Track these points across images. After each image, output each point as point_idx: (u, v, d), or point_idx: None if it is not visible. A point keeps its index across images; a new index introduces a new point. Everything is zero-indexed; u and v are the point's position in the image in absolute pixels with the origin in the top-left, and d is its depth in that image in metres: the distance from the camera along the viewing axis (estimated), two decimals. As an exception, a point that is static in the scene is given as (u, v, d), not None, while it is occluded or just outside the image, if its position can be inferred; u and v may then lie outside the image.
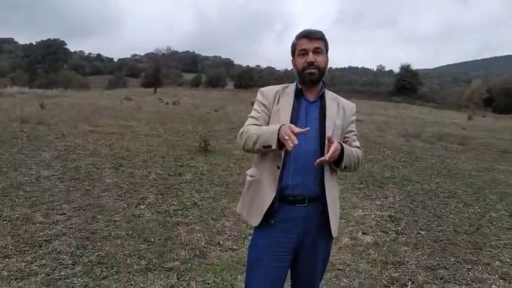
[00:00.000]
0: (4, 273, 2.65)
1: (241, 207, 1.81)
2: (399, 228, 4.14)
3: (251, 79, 63.19)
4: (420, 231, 4.07)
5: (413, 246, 3.66)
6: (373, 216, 4.49)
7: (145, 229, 3.65)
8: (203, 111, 17.56)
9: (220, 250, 3.30)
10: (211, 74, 72.96)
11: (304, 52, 1.66)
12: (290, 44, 1.76)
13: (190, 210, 4.30)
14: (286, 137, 1.44)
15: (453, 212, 4.80)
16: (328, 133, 1.64)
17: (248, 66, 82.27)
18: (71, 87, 42.82)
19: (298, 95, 1.73)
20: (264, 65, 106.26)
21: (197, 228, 3.78)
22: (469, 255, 3.50)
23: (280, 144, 1.51)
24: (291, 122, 1.60)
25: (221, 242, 3.46)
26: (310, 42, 1.65)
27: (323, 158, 1.53)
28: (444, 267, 3.23)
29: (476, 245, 3.77)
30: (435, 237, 3.91)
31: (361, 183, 5.95)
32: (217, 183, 5.47)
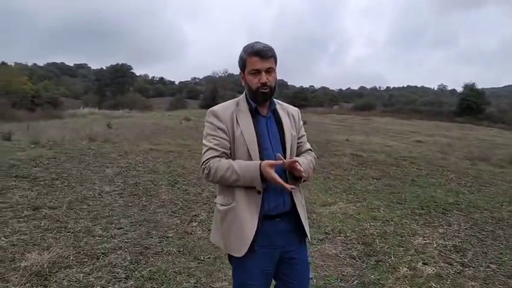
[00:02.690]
0: (64, 283, 2.82)
1: (217, 238, 1.73)
2: (466, 260, 3.79)
3: (305, 99, 63.00)
4: (491, 265, 3.69)
5: (481, 281, 3.32)
6: (435, 245, 4.16)
7: (196, 247, 3.71)
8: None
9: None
10: (265, 95, 73.56)
11: (257, 72, 1.62)
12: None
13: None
14: (274, 180, 1.49)
15: (527, 245, 4.33)
16: (287, 145, 1.69)
17: (302, 86, 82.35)
18: (135, 108, 45.47)
19: (254, 112, 1.69)
20: (317, 85, 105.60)
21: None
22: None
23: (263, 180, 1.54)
24: (257, 143, 1.63)
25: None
26: (263, 61, 1.61)
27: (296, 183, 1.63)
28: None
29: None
30: (509, 273, 3.52)
31: (422, 209, 5.59)
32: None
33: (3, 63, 53.79)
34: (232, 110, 1.68)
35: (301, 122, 1.89)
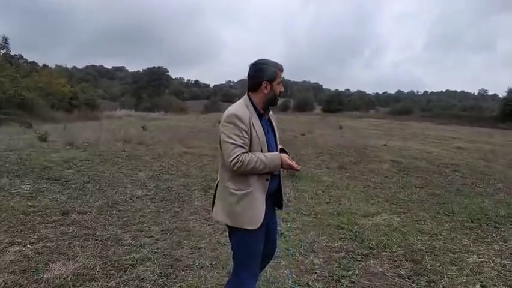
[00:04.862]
0: (88, 299, 2.59)
1: (223, 217, 2.09)
2: (531, 283, 3.28)
3: (340, 103, 61.92)
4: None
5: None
6: (492, 264, 3.65)
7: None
8: (290, 135, 17.37)
9: (309, 294, 2.89)
10: (299, 98, 73.21)
11: (280, 82, 2.14)
12: (272, 71, 2.12)
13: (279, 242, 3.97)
14: (289, 168, 2.06)
15: None
16: (278, 141, 2.30)
17: (337, 90, 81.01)
18: (171, 110, 46.34)
19: (260, 117, 2.12)
20: (353, 89, 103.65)
21: (283, 263, 3.43)
22: None
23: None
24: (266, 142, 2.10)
25: (310, 283, 3.06)
26: (282, 75, 2.16)
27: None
28: None
29: None
30: None
31: (472, 222, 5.03)
32: (305, 212, 5.08)
33: (45, 66, 56.21)
34: (248, 114, 2.03)
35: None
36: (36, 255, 3.23)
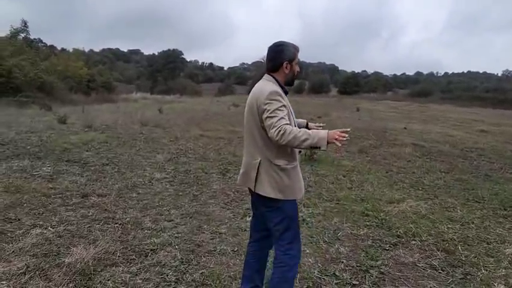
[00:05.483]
0: (110, 285, 2.53)
1: (269, 190, 2.14)
2: None
3: (357, 85, 60.76)
4: None
5: None
6: (531, 256, 3.48)
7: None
8: (306, 118, 17.10)
9: (337, 284, 2.78)
10: (314, 80, 72.07)
11: (296, 62, 2.23)
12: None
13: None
14: (335, 140, 1.92)
15: None
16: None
17: (353, 71, 79.46)
18: (185, 93, 46.25)
19: (286, 95, 2.19)
20: (370, 70, 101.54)
21: (308, 251, 3.31)
22: None
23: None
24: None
25: (337, 273, 2.94)
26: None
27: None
28: None
29: None
30: None
31: (505, 210, 4.82)
32: (326, 197, 4.94)
33: (63, 49, 56.61)
34: (282, 94, 2.11)
35: None
36: (58, 238, 3.20)
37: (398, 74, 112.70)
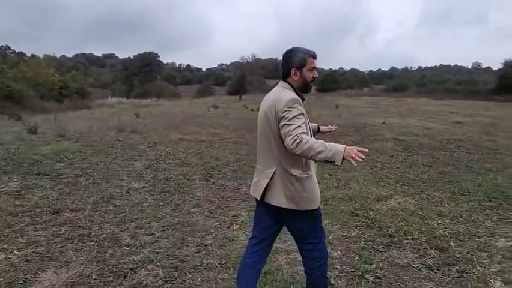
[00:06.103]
0: (84, 315, 2.27)
1: (283, 201, 2.08)
2: None
3: (334, 82, 61.16)
4: None
5: None
6: (522, 247, 3.41)
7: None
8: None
9: (333, 293, 2.59)
10: (293, 79, 71.95)
11: (313, 69, 2.15)
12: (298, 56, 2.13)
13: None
14: (350, 158, 1.80)
15: None
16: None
17: (331, 69, 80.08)
18: (163, 96, 45.59)
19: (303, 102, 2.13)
20: (347, 67, 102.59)
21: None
22: None
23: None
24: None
25: (332, 281, 2.76)
26: (315, 61, 2.16)
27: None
28: None
29: None
30: None
31: (490, 201, 4.77)
32: (314, 198, 4.77)
33: (33, 56, 54.84)
34: (301, 102, 2.07)
35: None
36: (25, 263, 2.89)
37: (374, 69, 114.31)
